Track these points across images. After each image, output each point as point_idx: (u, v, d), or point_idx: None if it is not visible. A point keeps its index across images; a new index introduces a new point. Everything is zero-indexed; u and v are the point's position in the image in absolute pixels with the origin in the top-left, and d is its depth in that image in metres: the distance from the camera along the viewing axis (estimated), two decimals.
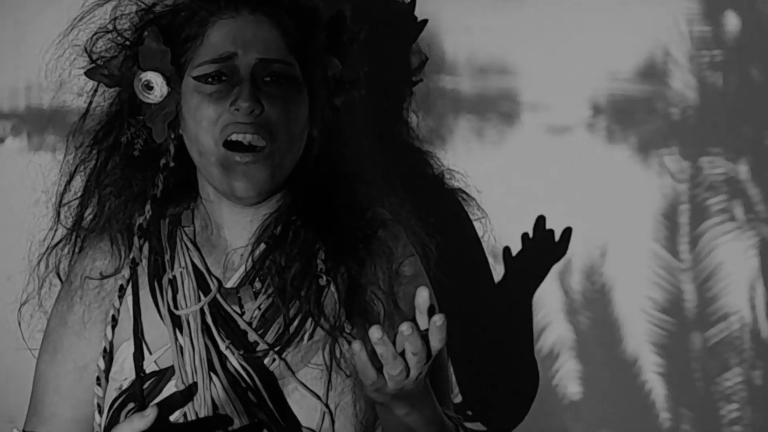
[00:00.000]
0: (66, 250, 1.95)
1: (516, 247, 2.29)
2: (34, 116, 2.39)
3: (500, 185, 2.28)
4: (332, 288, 1.84)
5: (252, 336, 1.81)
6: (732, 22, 2.26)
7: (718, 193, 2.27)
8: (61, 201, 1.93)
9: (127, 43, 1.87)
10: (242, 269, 1.85)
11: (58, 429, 1.87)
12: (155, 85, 1.85)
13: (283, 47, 1.83)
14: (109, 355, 1.83)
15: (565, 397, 2.30)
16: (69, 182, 1.92)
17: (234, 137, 1.78)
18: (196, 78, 1.81)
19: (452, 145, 2.30)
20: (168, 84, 1.84)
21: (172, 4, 1.88)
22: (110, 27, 1.88)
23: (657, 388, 2.29)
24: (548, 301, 2.29)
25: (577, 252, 2.27)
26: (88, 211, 1.92)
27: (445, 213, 2.23)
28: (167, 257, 1.86)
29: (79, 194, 1.92)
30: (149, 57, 1.85)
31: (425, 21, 2.26)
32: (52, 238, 1.94)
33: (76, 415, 1.87)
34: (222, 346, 1.80)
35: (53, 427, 1.88)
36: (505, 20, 2.29)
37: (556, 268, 2.29)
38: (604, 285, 2.29)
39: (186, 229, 1.89)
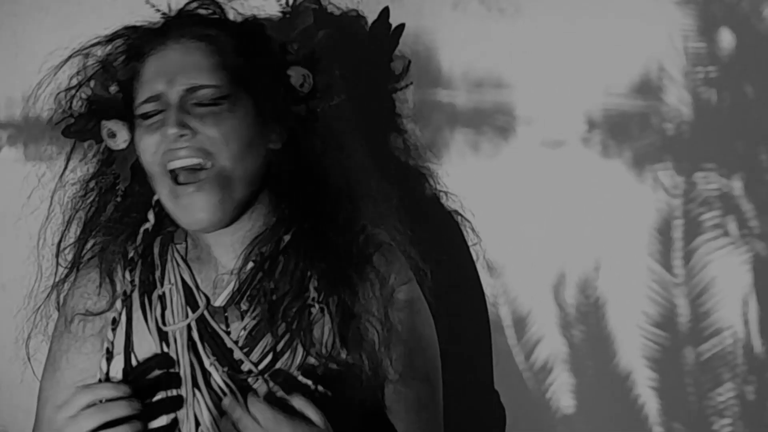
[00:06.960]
0: (66, 286, 1.98)
1: (507, 261, 2.30)
2: (31, 126, 2.39)
3: (495, 198, 2.28)
4: (326, 315, 1.84)
5: (237, 354, 1.82)
6: (727, 38, 2.27)
7: (712, 209, 2.27)
8: (59, 247, 1.96)
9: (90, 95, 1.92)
10: (230, 288, 1.86)
11: None
12: (117, 132, 1.90)
13: (210, 69, 1.85)
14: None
15: (558, 410, 2.30)
16: (66, 230, 1.96)
17: (171, 165, 1.82)
18: (139, 117, 1.86)
19: (447, 159, 2.30)
20: (130, 130, 1.89)
21: (107, 40, 1.93)
22: (75, 83, 1.93)
23: (650, 402, 2.28)
24: (542, 314, 2.29)
25: (571, 266, 2.27)
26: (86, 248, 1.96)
27: (441, 235, 2.22)
28: (158, 273, 1.88)
29: (74, 237, 1.96)
30: (102, 105, 1.90)
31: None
32: (55, 278, 1.97)
33: None
34: (207, 363, 1.81)
35: None
36: (501, 34, 2.30)
37: (550, 282, 2.29)
38: (598, 299, 2.29)
39: (178, 246, 1.91)
